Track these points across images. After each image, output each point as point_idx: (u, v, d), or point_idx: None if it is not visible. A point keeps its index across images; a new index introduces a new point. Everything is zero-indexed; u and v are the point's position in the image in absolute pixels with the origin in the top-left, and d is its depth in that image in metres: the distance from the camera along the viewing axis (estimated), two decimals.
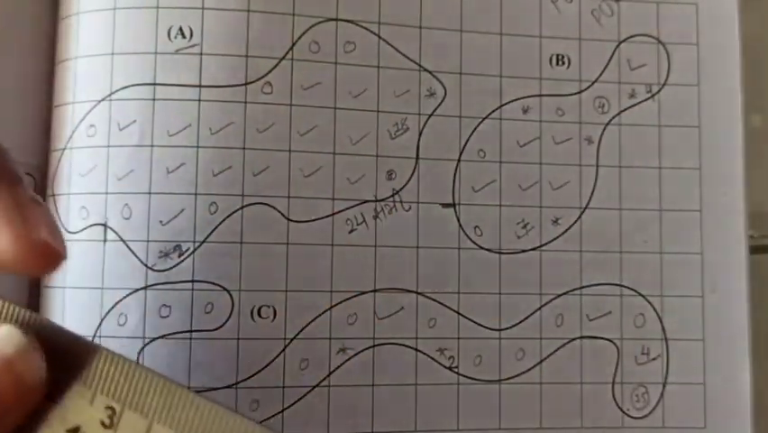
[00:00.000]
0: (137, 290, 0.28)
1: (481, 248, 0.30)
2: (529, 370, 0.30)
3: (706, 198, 0.32)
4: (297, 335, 0.29)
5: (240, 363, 0.28)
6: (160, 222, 0.28)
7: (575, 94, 0.31)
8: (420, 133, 0.30)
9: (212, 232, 0.28)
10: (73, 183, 0.29)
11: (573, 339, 0.30)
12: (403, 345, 0.29)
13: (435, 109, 0.30)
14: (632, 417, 0.30)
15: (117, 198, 0.28)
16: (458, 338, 0.30)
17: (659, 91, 0.32)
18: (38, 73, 0.30)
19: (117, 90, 0.28)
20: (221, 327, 0.28)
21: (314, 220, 0.29)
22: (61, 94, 0.29)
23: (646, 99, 0.32)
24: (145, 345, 0.28)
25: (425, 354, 0.29)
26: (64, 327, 0.18)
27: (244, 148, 0.29)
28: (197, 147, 0.28)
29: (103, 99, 0.29)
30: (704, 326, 0.31)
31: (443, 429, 0.29)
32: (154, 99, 0.28)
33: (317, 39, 0.30)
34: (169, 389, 0.17)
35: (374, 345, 0.29)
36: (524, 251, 0.30)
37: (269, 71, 0.29)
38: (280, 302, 0.29)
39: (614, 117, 0.31)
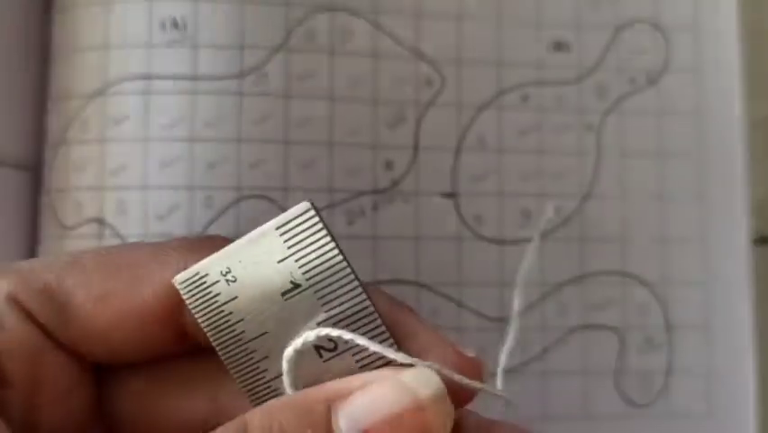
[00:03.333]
0: None
1: (482, 238, 0.30)
2: (532, 360, 0.30)
3: (706, 186, 0.31)
4: None
5: None
6: (157, 216, 0.28)
7: (575, 82, 0.31)
8: (418, 123, 0.30)
9: (209, 225, 0.28)
10: (68, 178, 0.28)
11: (576, 328, 0.30)
12: None
13: (433, 99, 0.30)
14: (635, 405, 0.30)
15: (113, 193, 0.28)
16: (459, 329, 0.29)
17: (659, 78, 0.32)
18: (31, 68, 0.30)
19: (112, 84, 0.28)
20: None
21: None
22: (55, 88, 0.29)
23: (646, 86, 0.32)
24: None
25: None
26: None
27: (240, 140, 0.28)
28: (193, 140, 0.28)
29: (97, 94, 0.28)
30: (707, 313, 0.31)
31: None
32: (149, 93, 0.28)
33: (313, 29, 0.29)
34: None
35: None
36: (525, 240, 0.30)
37: (265, 63, 0.29)
38: None
39: (613, 105, 0.31)
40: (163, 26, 0.28)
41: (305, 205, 0.17)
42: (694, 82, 0.32)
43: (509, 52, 0.31)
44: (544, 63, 0.31)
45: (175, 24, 0.28)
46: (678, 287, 0.31)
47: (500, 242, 0.30)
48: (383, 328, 0.17)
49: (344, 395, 0.16)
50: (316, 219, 0.17)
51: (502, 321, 0.30)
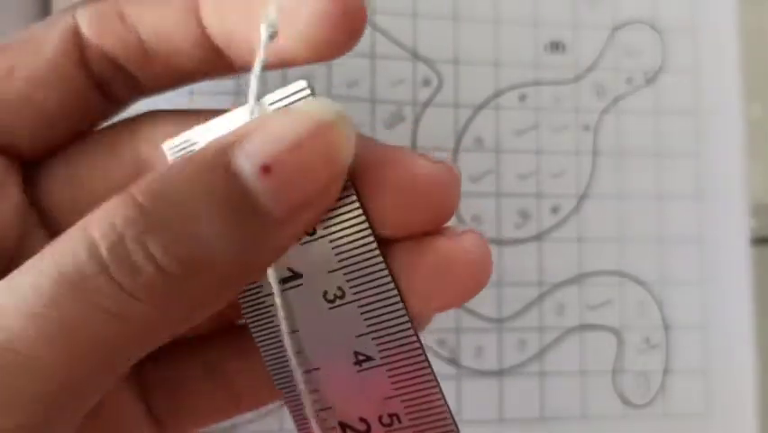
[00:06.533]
0: None
1: None
2: (530, 360, 0.30)
3: (705, 186, 0.31)
4: None
5: None
6: None
7: (572, 82, 0.31)
8: (416, 123, 0.30)
9: None
10: None
11: (573, 329, 0.30)
12: None
13: (431, 98, 0.30)
14: (633, 405, 0.30)
15: None
16: (457, 330, 0.29)
17: (656, 78, 0.32)
18: None
19: None
20: None
21: None
22: None
23: (643, 86, 0.31)
24: None
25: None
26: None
27: None
28: None
29: None
30: (705, 313, 0.31)
31: None
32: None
33: None
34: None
35: None
36: (523, 240, 0.30)
37: None
38: None
39: (611, 105, 0.31)
40: None
41: (301, 83, 0.16)
42: (692, 82, 0.32)
43: (506, 52, 0.31)
44: (542, 63, 0.31)
45: None
46: (676, 287, 0.31)
47: (498, 242, 0.30)
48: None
49: (242, 138, 0.15)
50: (311, 98, 0.16)
51: (500, 321, 0.30)
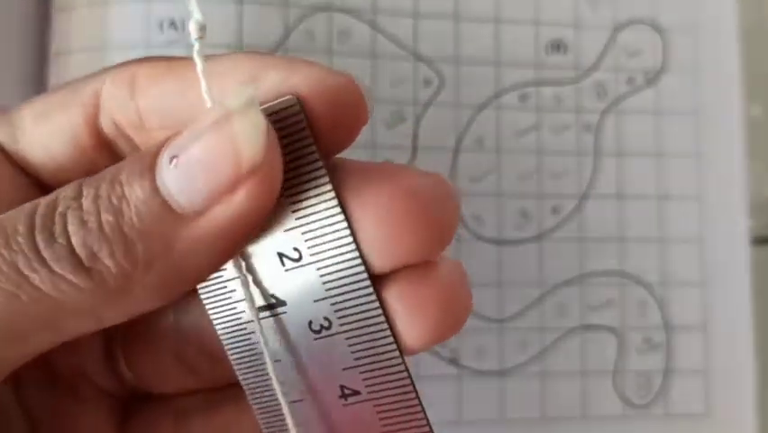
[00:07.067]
0: None
1: (481, 238, 0.30)
2: (531, 361, 0.30)
3: (705, 185, 0.31)
4: None
5: None
6: None
7: (572, 82, 0.31)
8: (417, 123, 0.30)
9: None
10: None
11: (574, 329, 0.30)
12: None
13: (432, 99, 0.30)
14: (634, 405, 0.30)
15: None
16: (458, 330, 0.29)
17: (657, 78, 0.32)
18: (29, 69, 0.30)
19: None
20: None
21: None
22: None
23: (644, 86, 0.31)
24: None
25: None
26: None
27: None
28: None
29: None
30: (705, 314, 0.31)
31: (444, 421, 0.29)
32: None
33: (312, 29, 0.29)
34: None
35: None
36: (524, 241, 0.30)
37: None
38: None
39: (612, 105, 0.31)
40: (161, 27, 0.28)
41: (290, 99, 0.16)
42: (693, 82, 0.32)
43: (507, 52, 0.31)
44: (543, 63, 0.31)
45: (173, 25, 0.28)
46: (676, 287, 0.31)
47: (499, 242, 0.30)
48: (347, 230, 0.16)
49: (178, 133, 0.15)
50: (301, 116, 0.16)
51: (501, 322, 0.30)
